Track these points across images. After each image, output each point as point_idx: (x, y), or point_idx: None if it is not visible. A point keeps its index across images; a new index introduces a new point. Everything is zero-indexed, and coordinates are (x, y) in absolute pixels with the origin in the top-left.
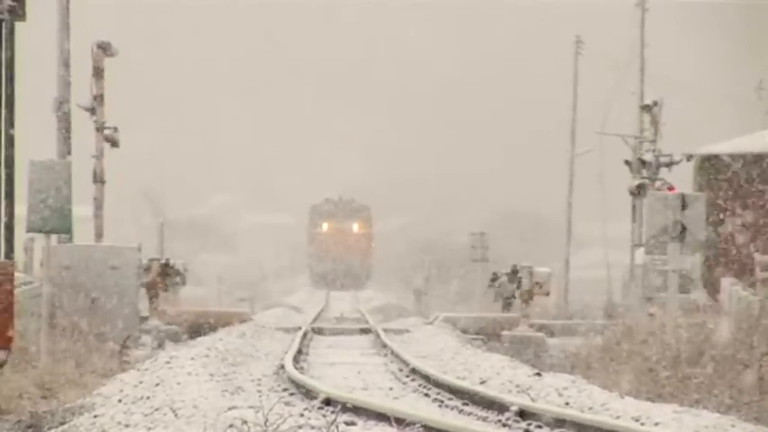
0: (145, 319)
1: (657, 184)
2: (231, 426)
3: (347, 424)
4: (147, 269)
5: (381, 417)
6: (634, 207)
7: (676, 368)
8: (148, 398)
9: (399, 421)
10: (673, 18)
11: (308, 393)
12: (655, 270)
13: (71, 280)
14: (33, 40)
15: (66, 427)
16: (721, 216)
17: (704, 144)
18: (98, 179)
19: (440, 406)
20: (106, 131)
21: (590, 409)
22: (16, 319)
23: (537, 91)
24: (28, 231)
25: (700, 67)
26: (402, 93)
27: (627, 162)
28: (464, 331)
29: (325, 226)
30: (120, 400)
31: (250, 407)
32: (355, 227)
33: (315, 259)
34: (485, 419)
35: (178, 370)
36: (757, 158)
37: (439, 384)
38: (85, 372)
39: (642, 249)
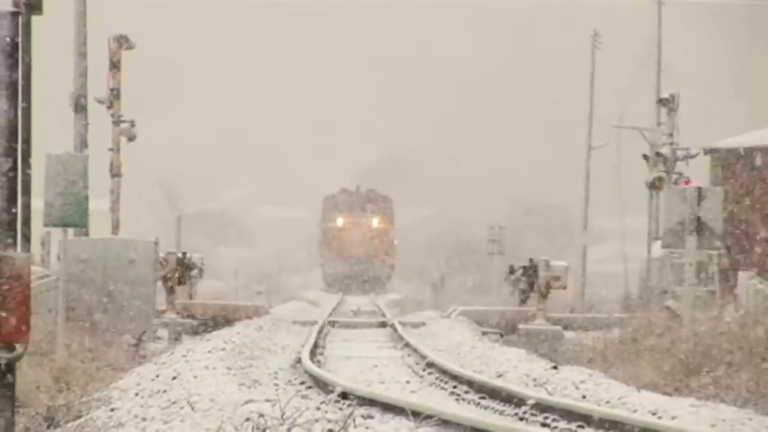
0: (162, 312)
1: (674, 177)
2: (248, 419)
3: (364, 417)
4: (164, 263)
5: (398, 410)
6: (651, 200)
7: (693, 361)
8: (165, 391)
9: (416, 414)
10: (688, 14)
11: (325, 387)
12: (671, 263)
13: (88, 273)
14: (51, 33)
15: (82, 420)
16: (738, 210)
17: (721, 138)
18: (115, 173)
19: (457, 399)
20: (123, 125)
21: (607, 402)
22: (33, 312)
23: (554, 86)
24: (45, 225)
25: (715, 62)
26: (420, 89)
27: (644, 156)
28: (481, 324)
29: (340, 220)
30: (136, 394)
31: (267, 400)
32: (375, 221)
33: (328, 259)
34: (502, 413)
35: (195, 363)
36: None
37: (456, 378)
38: (102, 365)
39: (659, 243)
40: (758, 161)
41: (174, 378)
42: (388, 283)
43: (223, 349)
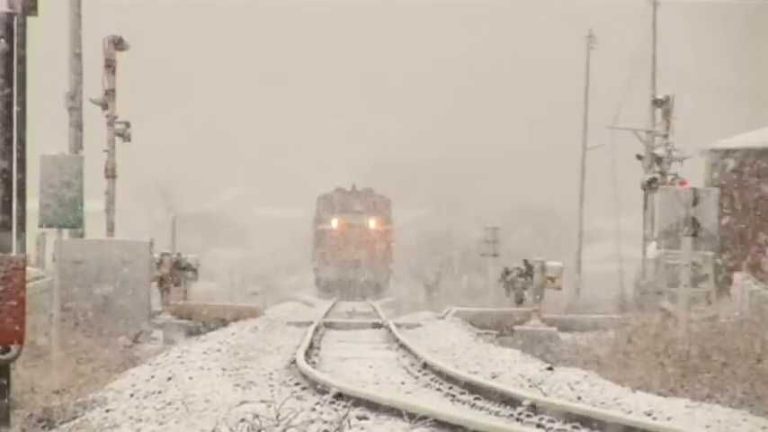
0: (157, 313)
1: (669, 178)
2: (243, 420)
3: (359, 418)
4: (159, 263)
5: (393, 411)
6: (646, 201)
7: (688, 362)
8: (160, 392)
9: (411, 416)
10: (685, 14)
11: (320, 388)
12: (666, 264)
13: (83, 274)
14: (46, 35)
15: (77, 421)
16: (733, 211)
17: (716, 138)
18: (110, 173)
19: (452, 400)
20: (118, 126)
21: (602, 403)
22: (28, 313)
23: (550, 86)
24: (40, 226)
25: (712, 62)
26: (414, 88)
27: (639, 156)
28: (476, 325)
29: (334, 221)
30: (131, 395)
31: (262, 401)
32: (372, 222)
33: (321, 262)
34: (497, 414)
35: (190, 365)
36: None
37: (451, 379)
38: (97, 366)
39: (654, 244)
40: (754, 162)
41: (169, 379)
42: (386, 288)
43: (218, 350)
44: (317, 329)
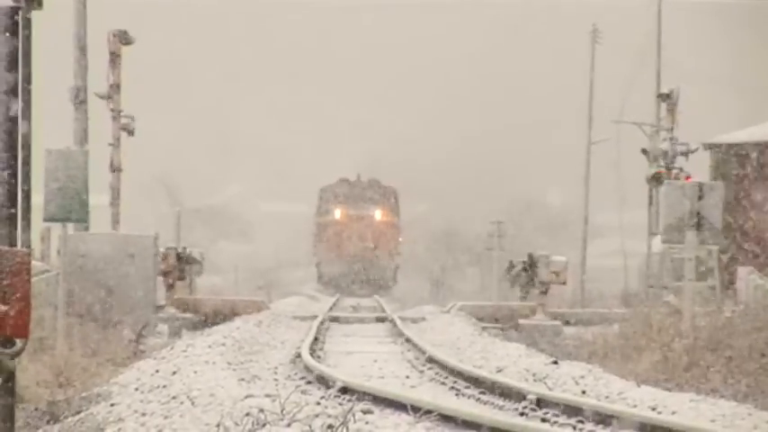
0: (162, 307)
1: (674, 172)
2: (248, 414)
3: (364, 412)
4: (164, 257)
5: (398, 405)
6: (651, 196)
7: (693, 357)
8: (165, 386)
9: (416, 410)
10: (689, 10)
11: (325, 382)
12: (671, 259)
13: (88, 268)
14: (51, 29)
15: (82, 415)
16: (738, 205)
17: (721, 133)
18: (115, 167)
19: (457, 395)
20: (123, 120)
21: (606, 397)
22: (33, 308)
23: (554, 81)
24: (45, 220)
25: (717, 58)
26: (419, 84)
27: (644, 151)
28: (480, 320)
29: (337, 213)
30: (136, 389)
31: (267, 395)
32: (378, 214)
33: (324, 257)
34: (501, 408)
35: (195, 358)
36: None
37: (456, 373)
38: (102, 360)
39: (659, 238)
40: (756, 156)
41: (174, 373)
42: (393, 285)
43: (223, 344)
44: (321, 323)
